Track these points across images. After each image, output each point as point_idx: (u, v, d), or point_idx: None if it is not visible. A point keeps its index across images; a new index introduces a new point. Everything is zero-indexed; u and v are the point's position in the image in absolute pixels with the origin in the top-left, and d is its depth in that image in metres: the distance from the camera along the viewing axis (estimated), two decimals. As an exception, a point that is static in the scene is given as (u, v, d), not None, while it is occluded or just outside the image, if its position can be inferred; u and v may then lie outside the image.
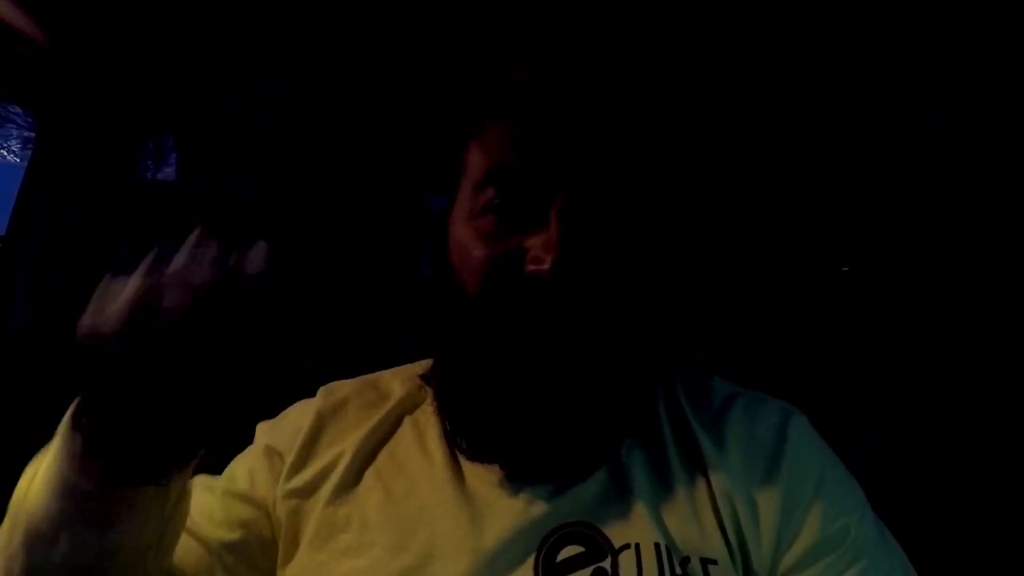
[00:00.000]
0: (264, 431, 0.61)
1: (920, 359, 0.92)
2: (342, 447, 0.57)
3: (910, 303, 0.96)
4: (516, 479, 0.53)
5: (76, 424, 0.40)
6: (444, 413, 0.56)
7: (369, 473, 0.56)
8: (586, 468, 0.53)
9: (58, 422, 0.41)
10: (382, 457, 0.57)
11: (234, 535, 0.55)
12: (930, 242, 0.97)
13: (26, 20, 0.76)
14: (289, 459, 0.56)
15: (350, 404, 0.60)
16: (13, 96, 1.00)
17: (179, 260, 0.37)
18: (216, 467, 0.57)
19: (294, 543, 0.55)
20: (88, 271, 0.97)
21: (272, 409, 0.62)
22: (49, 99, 0.93)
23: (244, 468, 0.58)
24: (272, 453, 0.58)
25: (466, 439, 0.54)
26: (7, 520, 0.45)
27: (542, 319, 0.48)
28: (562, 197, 0.49)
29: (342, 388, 0.62)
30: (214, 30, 0.81)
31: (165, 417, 0.38)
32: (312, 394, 0.62)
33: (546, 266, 0.47)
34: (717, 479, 0.51)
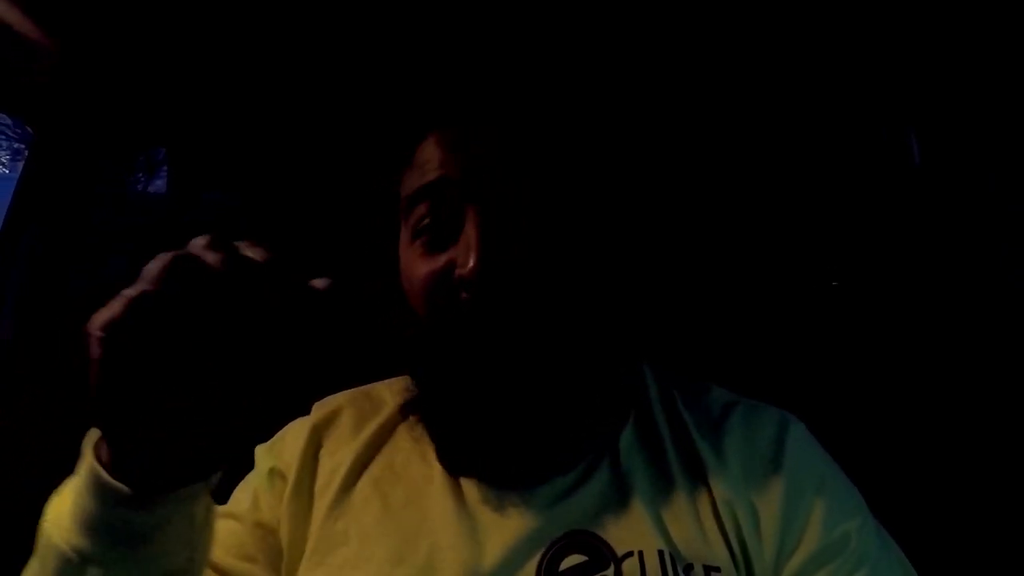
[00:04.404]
0: (263, 453, 0.60)
1: (914, 369, 0.93)
2: (339, 458, 0.57)
3: (902, 315, 0.96)
4: (514, 487, 0.52)
5: (105, 437, 0.37)
6: (428, 432, 0.56)
7: (365, 483, 0.55)
8: (566, 461, 0.53)
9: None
10: (379, 466, 0.56)
11: (241, 564, 0.54)
12: (920, 253, 0.98)
13: (31, 26, 0.75)
14: (291, 477, 0.56)
15: (344, 413, 0.61)
16: (7, 108, 0.99)
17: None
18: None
19: (298, 560, 0.54)
20: (79, 283, 0.96)
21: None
22: (44, 111, 0.92)
23: (248, 493, 0.57)
24: (275, 475, 0.57)
25: (444, 458, 0.54)
26: (36, 561, 0.42)
27: (482, 323, 0.49)
28: (476, 204, 0.51)
29: (335, 399, 0.63)
30: (206, 42, 0.81)
31: (197, 414, 0.34)
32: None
33: (470, 265, 0.49)
34: (718, 487, 0.51)
